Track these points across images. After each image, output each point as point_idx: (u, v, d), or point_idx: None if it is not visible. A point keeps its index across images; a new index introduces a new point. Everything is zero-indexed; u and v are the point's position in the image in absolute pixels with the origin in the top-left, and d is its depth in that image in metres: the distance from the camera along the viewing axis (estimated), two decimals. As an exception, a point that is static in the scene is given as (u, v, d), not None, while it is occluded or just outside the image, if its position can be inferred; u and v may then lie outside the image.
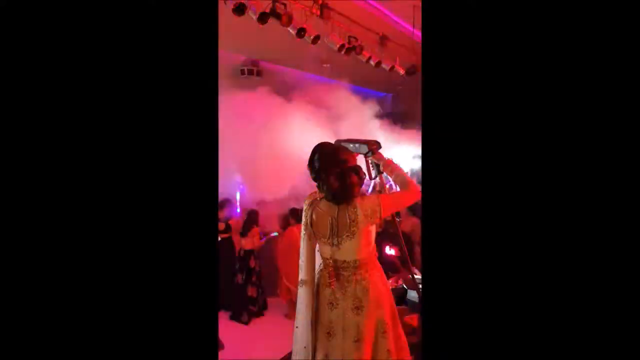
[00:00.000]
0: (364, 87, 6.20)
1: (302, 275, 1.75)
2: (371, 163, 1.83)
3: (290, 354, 1.85)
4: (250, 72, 5.23)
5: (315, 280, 1.76)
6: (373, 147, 1.77)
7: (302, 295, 1.74)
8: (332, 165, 1.61)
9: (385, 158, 1.80)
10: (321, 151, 1.68)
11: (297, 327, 1.75)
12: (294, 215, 4.01)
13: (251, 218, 4.20)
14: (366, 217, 1.61)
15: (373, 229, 1.70)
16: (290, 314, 4.12)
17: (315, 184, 1.70)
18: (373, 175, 1.84)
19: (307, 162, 1.69)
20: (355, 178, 1.61)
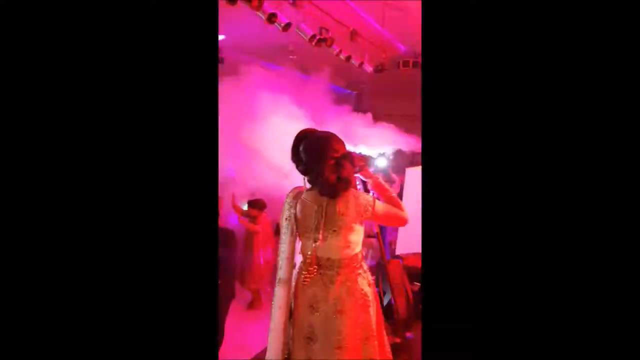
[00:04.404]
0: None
1: (280, 273, 1.60)
2: (359, 180, 1.71)
3: (260, 353, 1.70)
4: (212, 59, 4.94)
5: (294, 280, 1.62)
6: (361, 163, 1.65)
7: (279, 296, 1.59)
8: (325, 156, 1.48)
9: (374, 176, 1.69)
10: (308, 140, 1.53)
11: (270, 328, 1.60)
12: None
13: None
14: (357, 214, 1.50)
15: (361, 229, 1.58)
16: (256, 304, 4.00)
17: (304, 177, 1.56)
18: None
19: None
20: (351, 167, 1.49)
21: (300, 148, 1.53)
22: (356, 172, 1.64)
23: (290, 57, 5.01)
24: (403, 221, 1.64)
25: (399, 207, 1.61)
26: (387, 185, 1.69)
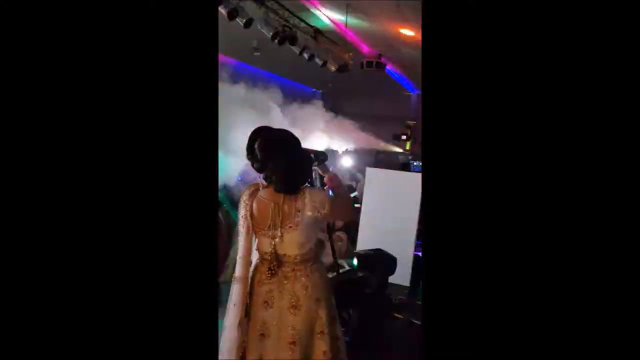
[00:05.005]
0: (293, 81, 6.11)
1: (237, 271, 1.59)
2: (316, 174, 1.78)
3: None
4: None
5: (249, 278, 1.62)
6: (320, 158, 1.72)
7: (235, 293, 1.58)
8: (281, 153, 1.48)
9: (330, 172, 1.75)
10: (263, 138, 1.53)
11: (225, 326, 1.59)
12: None
13: None
14: (313, 210, 1.50)
15: (317, 225, 1.60)
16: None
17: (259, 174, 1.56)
18: (317, 186, 1.81)
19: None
20: (307, 164, 1.51)
21: (255, 146, 1.52)
22: (315, 165, 1.70)
23: (255, 54, 4.97)
24: (353, 217, 1.72)
25: (350, 203, 1.68)
26: (341, 181, 1.75)
